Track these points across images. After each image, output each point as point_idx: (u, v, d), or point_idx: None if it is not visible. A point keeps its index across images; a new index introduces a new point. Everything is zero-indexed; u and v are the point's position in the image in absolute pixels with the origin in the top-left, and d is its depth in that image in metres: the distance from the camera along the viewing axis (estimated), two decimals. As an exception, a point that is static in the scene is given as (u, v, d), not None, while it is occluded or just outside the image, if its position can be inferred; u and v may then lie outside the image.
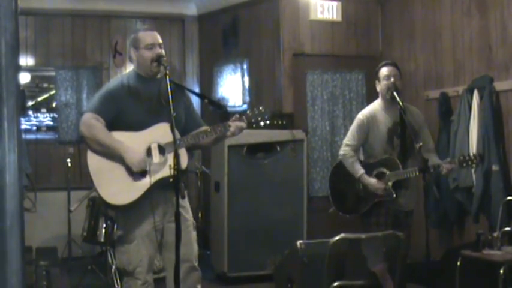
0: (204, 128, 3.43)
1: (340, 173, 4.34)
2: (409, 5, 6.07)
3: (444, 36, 5.61)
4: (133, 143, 3.25)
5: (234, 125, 3.32)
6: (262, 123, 3.41)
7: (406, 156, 4.14)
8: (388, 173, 4.12)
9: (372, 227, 4.09)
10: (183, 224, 3.31)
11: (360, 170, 4.18)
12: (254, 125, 3.42)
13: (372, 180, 4.14)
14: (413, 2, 6.01)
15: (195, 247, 3.47)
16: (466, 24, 5.34)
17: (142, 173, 3.23)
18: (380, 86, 4.22)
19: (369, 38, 6.49)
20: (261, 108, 3.42)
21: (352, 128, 4.30)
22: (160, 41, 3.40)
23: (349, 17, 6.42)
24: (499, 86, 4.92)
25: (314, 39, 6.30)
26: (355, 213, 4.29)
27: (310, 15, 6.26)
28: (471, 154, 4.20)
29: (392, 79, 4.15)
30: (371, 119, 4.22)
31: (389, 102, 4.17)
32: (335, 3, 6.34)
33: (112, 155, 3.23)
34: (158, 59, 3.30)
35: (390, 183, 4.09)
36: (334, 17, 6.34)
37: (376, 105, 4.29)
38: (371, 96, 5.34)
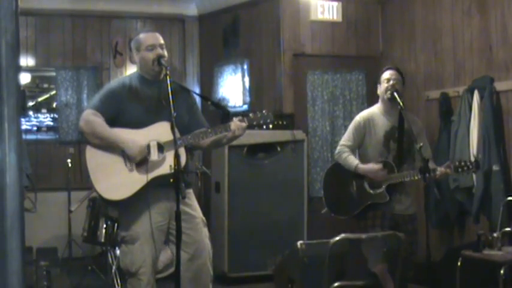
0: (205, 128, 3.42)
1: (335, 174, 4.30)
2: (409, 5, 6.07)
3: (444, 37, 5.61)
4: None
5: (234, 124, 3.29)
6: (265, 127, 3.37)
7: (402, 161, 4.09)
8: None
9: (368, 230, 4.02)
10: (191, 222, 3.32)
11: (355, 161, 4.12)
12: (256, 128, 3.38)
13: (369, 166, 4.07)
14: (413, 2, 6.01)
15: (207, 244, 3.43)
16: (467, 25, 5.34)
17: (141, 168, 3.22)
18: (380, 89, 4.21)
19: (369, 38, 6.48)
20: (264, 111, 3.38)
21: (349, 130, 4.27)
22: (162, 41, 3.41)
23: (350, 18, 6.41)
24: (500, 86, 4.92)
25: (314, 40, 6.30)
26: (347, 215, 4.24)
27: (310, 15, 6.26)
28: (467, 160, 4.10)
29: (391, 82, 4.14)
30: (368, 122, 4.19)
31: (389, 105, 4.14)
32: (335, 4, 6.34)
33: (111, 147, 3.24)
34: (158, 59, 3.30)
35: (384, 186, 4.05)
36: (335, 17, 6.34)
37: (375, 108, 4.27)
38: (371, 96, 5.35)
